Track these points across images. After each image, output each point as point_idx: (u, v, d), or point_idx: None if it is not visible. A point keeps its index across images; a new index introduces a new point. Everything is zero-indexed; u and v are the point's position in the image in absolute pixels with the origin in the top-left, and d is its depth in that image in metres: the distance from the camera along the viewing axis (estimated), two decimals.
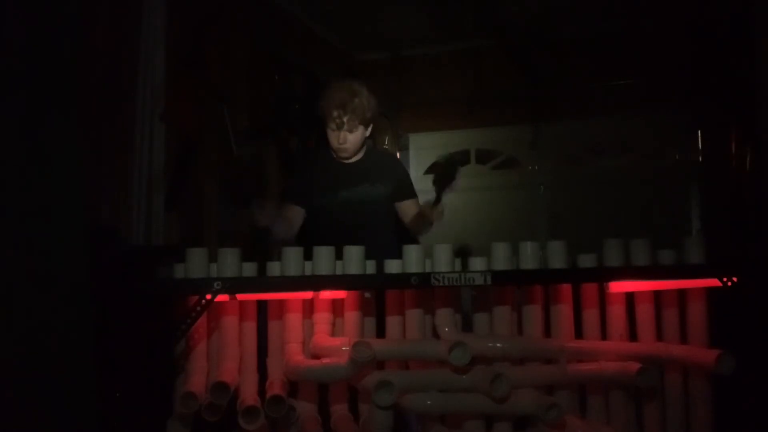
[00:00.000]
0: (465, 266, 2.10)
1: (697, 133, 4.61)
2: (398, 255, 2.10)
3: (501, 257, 2.07)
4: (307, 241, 2.66)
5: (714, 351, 2.00)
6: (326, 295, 2.11)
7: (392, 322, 2.19)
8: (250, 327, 2.16)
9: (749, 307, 2.16)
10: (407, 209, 2.83)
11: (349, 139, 2.74)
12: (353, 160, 2.84)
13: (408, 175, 2.95)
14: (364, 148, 2.87)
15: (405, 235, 2.81)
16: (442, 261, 2.05)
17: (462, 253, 2.16)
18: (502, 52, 4.88)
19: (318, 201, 2.80)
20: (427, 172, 2.80)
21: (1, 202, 1.46)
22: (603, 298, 2.17)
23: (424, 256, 2.08)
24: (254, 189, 3.92)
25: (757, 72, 3.20)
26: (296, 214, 2.81)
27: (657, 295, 2.18)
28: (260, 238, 2.76)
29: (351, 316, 2.16)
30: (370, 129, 2.81)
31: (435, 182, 2.52)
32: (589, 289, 2.18)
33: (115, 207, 2.90)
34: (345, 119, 2.70)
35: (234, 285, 1.96)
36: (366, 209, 2.78)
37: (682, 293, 2.17)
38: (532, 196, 5.15)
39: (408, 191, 2.87)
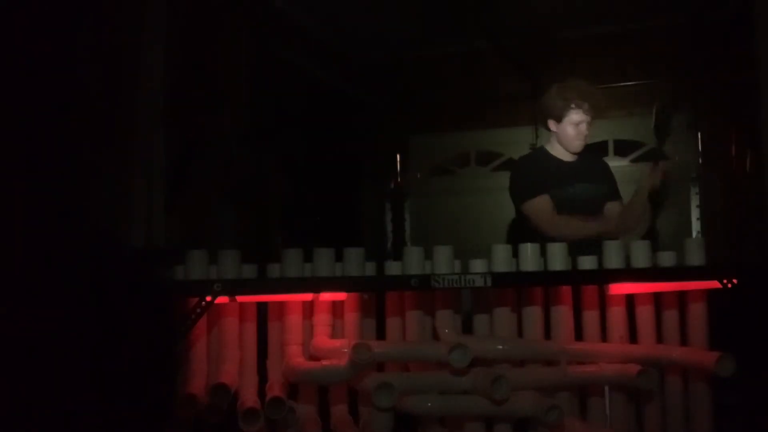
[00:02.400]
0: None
1: (697, 134, 4.59)
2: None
3: (501, 259, 2.07)
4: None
5: (714, 353, 2.00)
6: (326, 296, 2.11)
7: (392, 323, 2.19)
8: (250, 329, 2.16)
9: (749, 308, 2.16)
10: (614, 210, 2.89)
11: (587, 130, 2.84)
12: (573, 159, 2.90)
13: (614, 177, 3.02)
14: None
15: None
16: (442, 263, 2.05)
17: None
18: (503, 53, 4.87)
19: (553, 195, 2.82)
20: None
21: (1, 206, 1.46)
22: (603, 300, 2.18)
23: (424, 257, 2.07)
24: (254, 190, 3.91)
25: (758, 72, 3.19)
26: (551, 202, 2.82)
27: (657, 296, 2.18)
28: None
29: (351, 318, 2.16)
30: None
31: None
32: (590, 290, 2.18)
33: (115, 208, 2.89)
34: (587, 108, 2.79)
35: (234, 287, 1.95)
36: (587, 207, 2.84)
37: (682, 295, 2.17)
38: None
39: (617, 193, 2.96)
